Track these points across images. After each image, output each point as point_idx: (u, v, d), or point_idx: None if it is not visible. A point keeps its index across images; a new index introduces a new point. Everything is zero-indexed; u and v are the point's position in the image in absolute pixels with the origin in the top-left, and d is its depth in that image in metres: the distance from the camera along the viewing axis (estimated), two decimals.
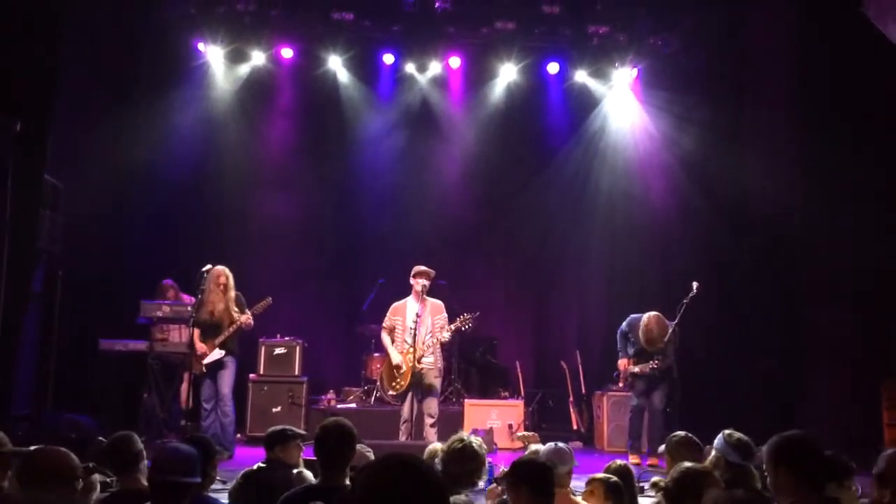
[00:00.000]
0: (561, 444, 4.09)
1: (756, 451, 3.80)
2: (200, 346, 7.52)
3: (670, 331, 7.83)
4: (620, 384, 8.39)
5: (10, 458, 3.35)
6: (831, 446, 3.84)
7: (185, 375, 7.85)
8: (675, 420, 7.88)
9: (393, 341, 7.52)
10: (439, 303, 7.57)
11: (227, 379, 7.56)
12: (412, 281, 7.50)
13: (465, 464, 3.72)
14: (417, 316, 7.36)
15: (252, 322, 7.62)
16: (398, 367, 7.39)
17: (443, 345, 7.53)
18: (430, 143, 10.58)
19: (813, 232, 8.48)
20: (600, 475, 3.99)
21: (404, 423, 7.34)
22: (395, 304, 7.65)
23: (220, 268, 7.61)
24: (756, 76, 9.38)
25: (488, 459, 5.02)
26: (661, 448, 4.47)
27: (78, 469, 3.03)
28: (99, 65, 8.73)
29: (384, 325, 7.64)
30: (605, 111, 10.63)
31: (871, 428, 7.57)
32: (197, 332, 7.54)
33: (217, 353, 7.54)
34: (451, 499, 2.95)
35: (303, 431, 4.87)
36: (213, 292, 7.53)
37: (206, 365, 7.53)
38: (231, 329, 7.54)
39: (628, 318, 8.20)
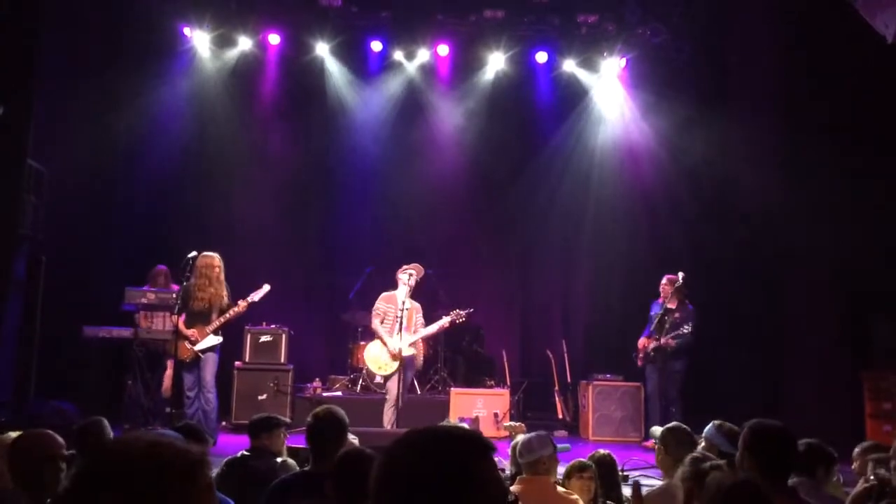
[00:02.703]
0: (537, 433, 4.07)
1: None
2: (192, 333, 7.34)
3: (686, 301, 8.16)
4: (639, 363, 8.54)
5: None
6: (814, 437, 3.88)
7: (169, 363, 7.76)
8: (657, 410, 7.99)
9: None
10: (418, 305, 7.74)
11: (211, 366, 7.42)
12: (401, 274, 7.55)
13: None
14: (405, 308, 7.49)
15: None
16: (392, 354, 7.48)
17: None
18: (418, 131, 10.55)
19: (795, 225, 8.53)
20: (583, 461, 4.01)
21: (391, 407, 7.36)
22: (386, 294, 7.72)
23: (212, 255, 7.45)
24: (743, 66, 9.40)
25: None
26: (655, 430, 4.47)
27: (62, 447, 3.16)
28: (84, 49, 8.63)
29: (375, 311, 7.65)
30: (593, 101, 10.63)
31: (854, 418, 7.65)
32: (181, 318, 7.44)
33: (212, 340, 7.38)
34: None
35: (287, 419, 4.85)
36: (205, 278, 7.37)
37: (198, 352, 7.37)
38: (228, 316, 7.39)
39: None
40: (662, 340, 8.12)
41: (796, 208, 8.49)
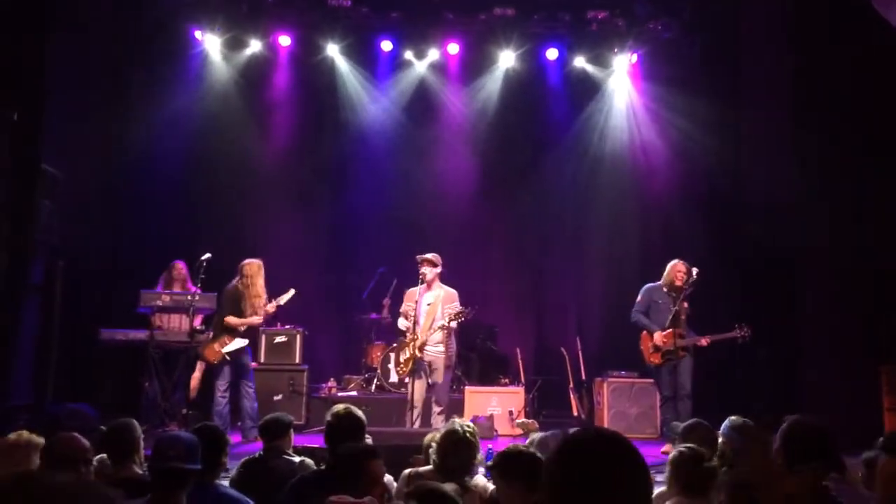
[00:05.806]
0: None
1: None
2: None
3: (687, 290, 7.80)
4: (659, 362, 7.86)
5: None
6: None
7: (200, 365, 7.88)
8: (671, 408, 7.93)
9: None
10: (452, 292, 7.44)
11: (247, 360, 7.83)
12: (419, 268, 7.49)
13: (457, 453, 3.74)
14: (419, 304, 7.35)
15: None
16: (404, 351, 7.43)
17: (453, 333, 7.44)
18: (429, 130, 10.57)
19: (811, 218, 8.47)
20: None
21: (411, 409, 7.27)
22: (410, 290, 7.59)
23: (258, 261, 7.81)
24: (754, 61, 9.35)
25: (489, 445, 5.00)
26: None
27: (90, 451, 3.33)
28: (96, 53, 8.68)
29: (401, 310, 7.66)
30: (604, 97, 10.60)
31: (872, 413, 7.59)
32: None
33: (240, 342, 7.71)
34: (444, 486, 2.96)
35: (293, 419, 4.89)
36: (256, 282, 7.73)
37: (226, 354, 7.65)
38: (254, 319, 7.76)
39: (642, 290, 8.10)
40: (705, 341, 7.74)
41: (811, 202, 8.43)
